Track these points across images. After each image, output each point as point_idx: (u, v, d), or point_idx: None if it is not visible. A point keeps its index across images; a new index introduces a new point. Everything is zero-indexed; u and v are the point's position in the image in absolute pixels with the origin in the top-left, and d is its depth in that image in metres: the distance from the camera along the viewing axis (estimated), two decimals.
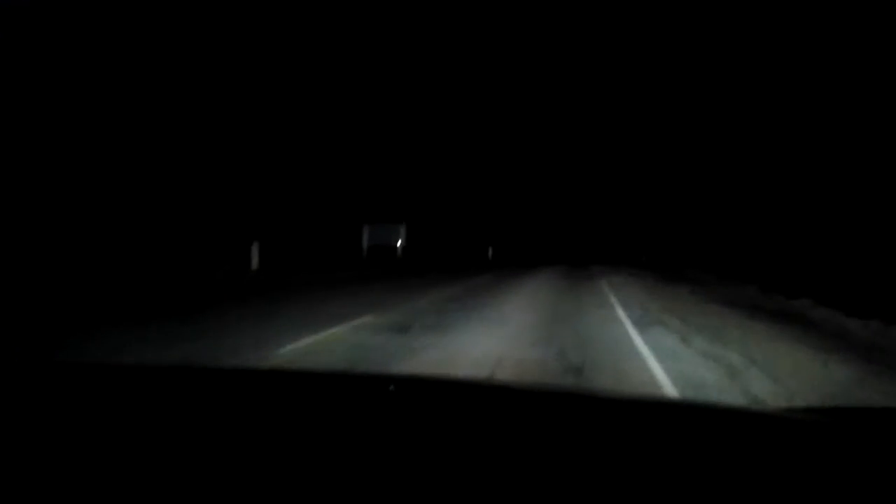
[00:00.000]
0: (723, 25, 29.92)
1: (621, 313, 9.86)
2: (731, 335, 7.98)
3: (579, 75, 62.37)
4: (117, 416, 1.07)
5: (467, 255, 42.60)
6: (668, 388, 4.95)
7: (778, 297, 14.08)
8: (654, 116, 46.76)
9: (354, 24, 34.28)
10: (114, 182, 16.80)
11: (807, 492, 0.80)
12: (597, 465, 0.88)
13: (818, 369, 6.02)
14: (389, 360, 5.71)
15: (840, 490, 0.81)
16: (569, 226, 64.62)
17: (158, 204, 17.98)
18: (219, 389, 1.35)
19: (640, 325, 8.63)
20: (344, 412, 1.17)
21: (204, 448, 0.90)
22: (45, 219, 15.10)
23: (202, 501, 0.72)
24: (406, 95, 41.87)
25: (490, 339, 6.93)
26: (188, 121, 19.28)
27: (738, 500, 0.77)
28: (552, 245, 59.28)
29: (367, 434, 1.00)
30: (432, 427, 1.06)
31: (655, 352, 6.54)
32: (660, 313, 10.10)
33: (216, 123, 20.37)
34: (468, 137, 50.80)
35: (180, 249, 17.35)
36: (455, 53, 50.80)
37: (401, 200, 36.42)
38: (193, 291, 12.92)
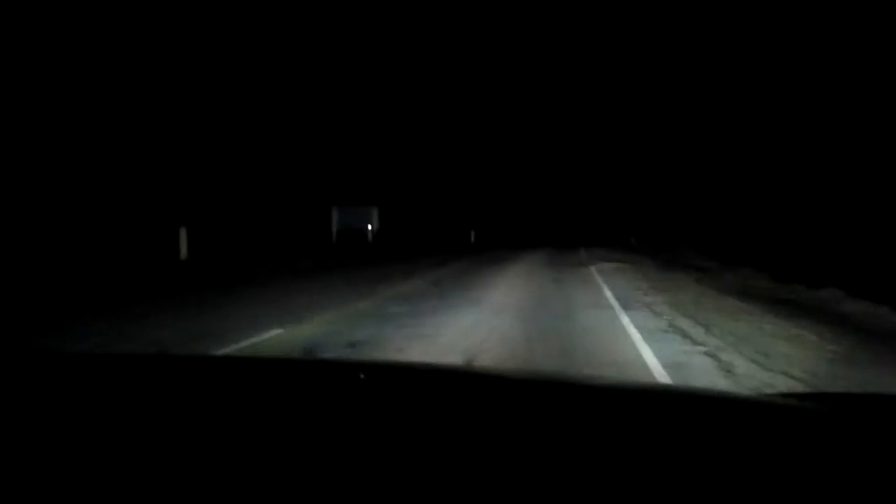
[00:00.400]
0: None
1: (624, 318, 7.47)
2: (779, 351, 5.66)
3: (560, 50, 59.83)
4: (79, 404, 1.05)
5: (448, 238, 40.36)
6: None
7: (797, 287, 11.86)
8: (638, 87, 44.35)
9: None
10: None
11: (794, 477, 0.78)
12: (577, 453, 0.85)
13: None
14: None
15: (825, 474, 0.80)
16: (554, 206, 62.50)
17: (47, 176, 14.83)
18: (197, 378, 1.31)
19: (652, 337, 6.28)
20: (312, 400, 1.13)
21: (173, 437, 0.87)
22: None
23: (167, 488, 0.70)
24: (380, 70, 39.15)
25: None
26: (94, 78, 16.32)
27: (729, 485, 0.75)
28: (537, 226, 57.35)
29: (337, 423, 0.97)
30: (405, 415, 1.03)
31: None
32: (673, 314, 7.77)
33: (134, 87, 17.48)
34: (448, 116, 48.20)
35: (79, 234, 14.40)
36: (432, 24, 47.96)
37: (375, 181, 33.86)
38: (80, 293, 10.37)
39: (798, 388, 4.36)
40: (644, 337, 6.30)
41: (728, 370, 4.92)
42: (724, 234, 25.60)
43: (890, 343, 6.36)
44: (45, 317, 7.79)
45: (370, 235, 26.86)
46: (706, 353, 5.55)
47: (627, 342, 6.11)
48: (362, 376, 1.36)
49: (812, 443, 0.92)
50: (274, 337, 6.12)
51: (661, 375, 4.75)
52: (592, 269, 15.44)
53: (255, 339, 5.90)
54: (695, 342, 6.09)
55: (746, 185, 25.46)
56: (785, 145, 22.39)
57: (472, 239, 44.52)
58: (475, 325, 6.96)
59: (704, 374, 4.80)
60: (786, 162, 22.14)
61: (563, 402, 1.16)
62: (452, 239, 40.86)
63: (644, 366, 5.10)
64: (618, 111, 50.17)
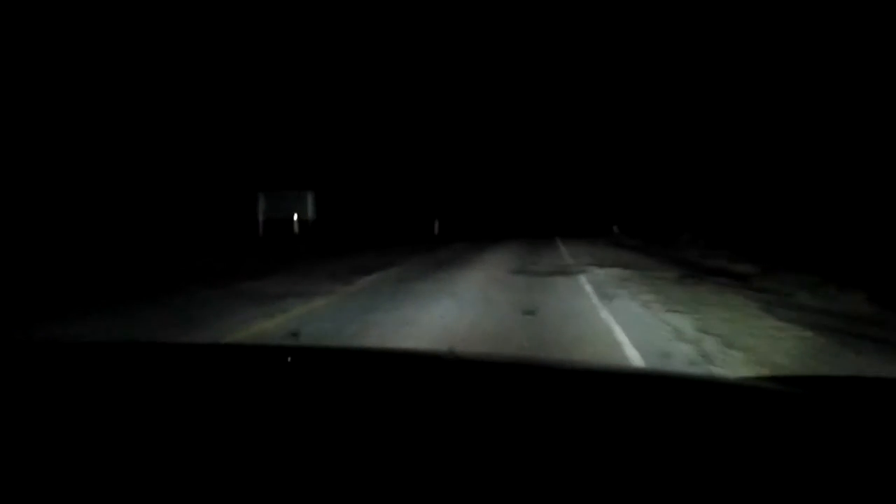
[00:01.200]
0: None
1: None
2: None
3: (529, 27, 55.01)
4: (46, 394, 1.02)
5: (407, 229, 35.33)
6: None
7: None
8: (611, 62, 39.58)
9: None
10: None
11: (776, 459, 0.77)
12: (555, 439, 0.83)
13: None
14: None
15: (807, 458, 0.78)
16: (526, 190, 57.87)
17: None
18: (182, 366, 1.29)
19: None
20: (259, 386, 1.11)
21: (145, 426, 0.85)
22: None
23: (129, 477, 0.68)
24: (326, 35, 33.73)
25: None
26: None
27: (711, 469, 0.74)
28: (509, 212, 52.80)
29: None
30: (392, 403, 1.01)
31: None
32: None
33: None
34: (410, 91, 42.92)
35: None
36: None
37: (313, 161, 28.55)
38: None
39: None
40: None
41: None
42: (735, 221, 20.86)
43: None
44: None
45: (296, 226, 21.66)
46: None
47: None
48: (289, 360, 1.34)
49: (794, 426, 0.90)
50: None
51: None
52: (583, 281, 10.47)
53: None
54: None
55: (758, 156, 20.79)
56: (801, 109, 17.78)
57: (436, 230, 39.55)
58: None
59: None
60: (810, 126, 17.53)
61: (547, 386, 1.14)
62: (412, 229, 35.86)
63: None
64: (591, 87, 45.45)
